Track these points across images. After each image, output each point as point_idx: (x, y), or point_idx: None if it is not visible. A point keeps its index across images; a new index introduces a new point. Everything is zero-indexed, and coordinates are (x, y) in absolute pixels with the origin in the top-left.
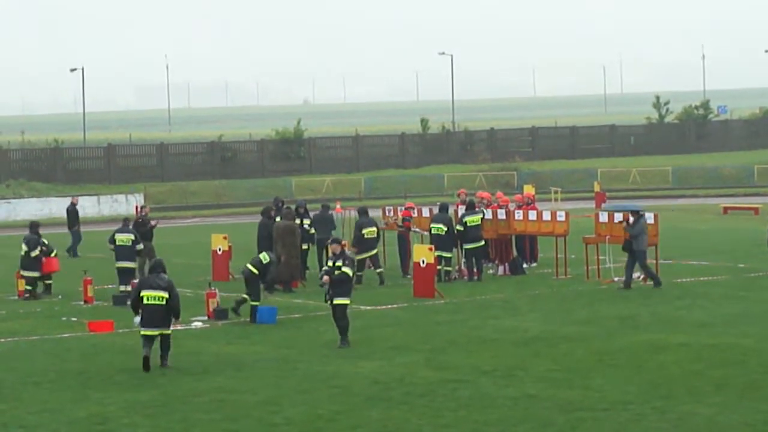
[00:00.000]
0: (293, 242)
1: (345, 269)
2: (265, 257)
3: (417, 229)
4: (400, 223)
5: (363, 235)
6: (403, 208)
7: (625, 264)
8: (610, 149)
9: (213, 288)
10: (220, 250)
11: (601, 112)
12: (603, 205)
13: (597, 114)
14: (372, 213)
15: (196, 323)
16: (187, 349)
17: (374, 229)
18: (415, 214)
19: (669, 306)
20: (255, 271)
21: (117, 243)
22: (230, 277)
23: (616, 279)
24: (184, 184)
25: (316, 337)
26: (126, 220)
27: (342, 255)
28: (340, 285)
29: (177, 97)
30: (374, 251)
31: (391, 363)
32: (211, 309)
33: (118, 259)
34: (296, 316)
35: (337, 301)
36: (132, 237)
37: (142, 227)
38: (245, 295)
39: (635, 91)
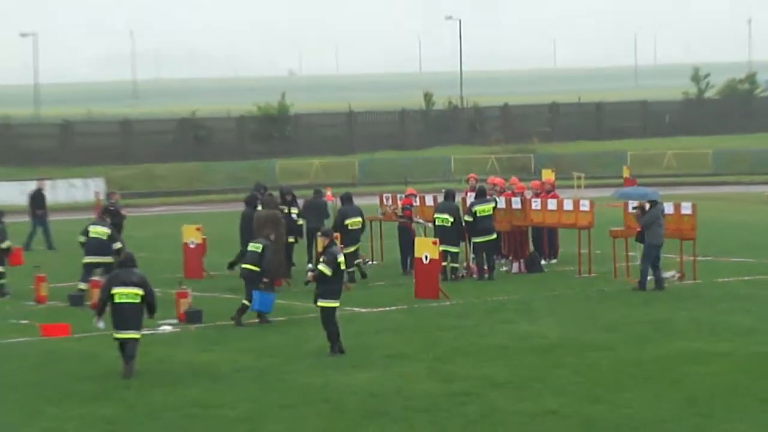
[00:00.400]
0: (278, 234)
1: (320, 266)
2: (257, 246)
3: (420, 220)
4: (400, 213)
5: (346, 226)
6: (403, 195)
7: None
8: (642, 129)
9: (184, 287)
10: (192, 243)
11: (632, 86)
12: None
13: (627, 88)
14: (368, 201)
15: (164, 327)
16: (155, 356)
17: (359, 219)
18: (417, 203)
19: (709, 309)
20: (255, 268)
21: (90, 235)
22: (204, 274)
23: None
24: (151, 167)
25: (304, 343)
26: (103, 212)
27: (325, 250)
28: (321, 285)
29: (144, 67)
30: (359, 245)
31: (389, 373)
32: (182, 311)
33: (87, 253)
34: (280, 319)
35: (320, 303)
36: (108, 232)
37: (115, 217)
38: (245, 301)
39: (670, 62)
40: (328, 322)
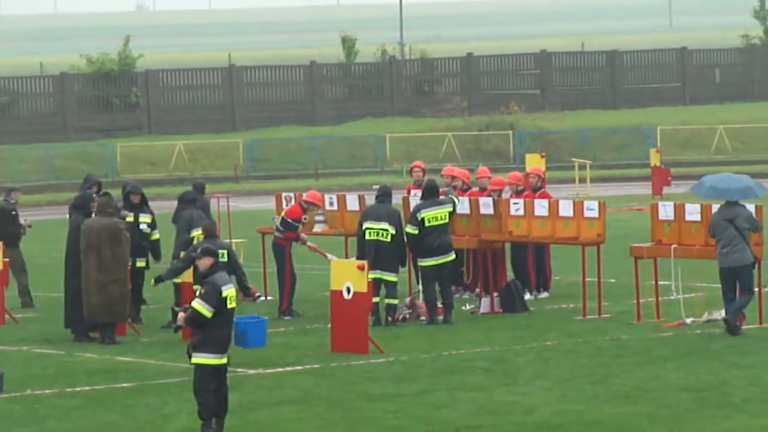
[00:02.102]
0: (118, 255)
1: (195, 303)
2: (221, 253)
3: (330, 255)
4: (278, 226)
5: (191, 239)
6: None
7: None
8: (678, 91)
9: None
10: None
11: (663, 26)
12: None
13: (654, 29)
14: (259, 204)
15: None
16: None
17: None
18: (334, 207)
19: None
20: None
21: None
22: (5, 317)
23: (688, 320)
24: None
25: (159, 423)
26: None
27: (204, 277)
28: (197, 332)
29: None
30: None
31: None
32: None
33: None
34: (125, 385)
35: (195, 358)
36: None
37: (10, 226)
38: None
39: None
40: (203, 387)
